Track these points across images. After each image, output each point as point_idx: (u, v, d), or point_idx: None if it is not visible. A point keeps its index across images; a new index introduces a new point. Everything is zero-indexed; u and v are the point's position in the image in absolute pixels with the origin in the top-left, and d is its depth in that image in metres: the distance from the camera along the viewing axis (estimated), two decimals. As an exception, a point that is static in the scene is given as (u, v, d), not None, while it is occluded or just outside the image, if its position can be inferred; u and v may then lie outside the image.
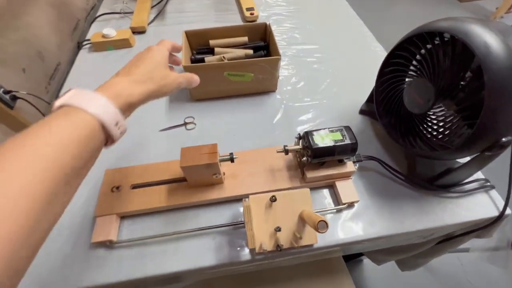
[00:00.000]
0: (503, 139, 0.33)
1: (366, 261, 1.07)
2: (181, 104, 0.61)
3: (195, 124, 0.57)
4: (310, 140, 0.41)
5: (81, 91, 0.26)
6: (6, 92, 1.24)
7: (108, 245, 0.40)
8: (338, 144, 0.41)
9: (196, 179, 0.43)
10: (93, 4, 1.07)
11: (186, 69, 0.53)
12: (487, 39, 0.31)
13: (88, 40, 0.75)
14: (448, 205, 0.45)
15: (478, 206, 0.45)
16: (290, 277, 0.62)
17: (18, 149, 0.20)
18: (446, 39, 0.36)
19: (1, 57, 1.31)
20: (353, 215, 0.44)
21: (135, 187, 0.46)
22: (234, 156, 0.42)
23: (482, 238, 0.49)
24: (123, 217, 0.44)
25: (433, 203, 0.45)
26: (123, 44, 0.74)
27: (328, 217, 0.44)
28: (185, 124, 0.57)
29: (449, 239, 0.51)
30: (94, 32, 0.76)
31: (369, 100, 0.57)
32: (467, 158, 0.43)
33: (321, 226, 0.32)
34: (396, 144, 0.47)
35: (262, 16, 0.85)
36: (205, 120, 0.58)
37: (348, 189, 0.44)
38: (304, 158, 0.42)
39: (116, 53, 0.74)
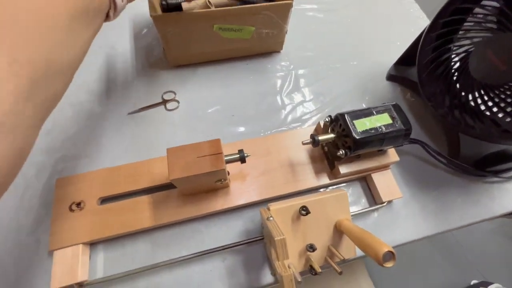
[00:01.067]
0: None
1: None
2: (156, 72, 0.44)
3: (177, 102, 0.42)
4: (350, 127, 0.29)
5: None
6: None
7: (77, 288, 0.29)
8: (388, 130, 0.30)
9: (191, 188, 0.31)
10: None
11: (157, 20, 0.36)
12: None
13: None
14: (495, 192, 0.38)
15: (527, 189, 0.39)
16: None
17: None
18: None
19: None
20: (392, 213, 0.36)
21: (104, 200, 0.33)
22: (245, 154, 0.29)
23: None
24: (93, 243, 0.32)
25: (479, 190, 0.38)
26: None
27: (365, 218, 0.36)
28: (164, 102, 0.42)
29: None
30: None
31: (401, 62, 0.45)
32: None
33: (387, 258, 0.23)
34: (435, 120, 0.37)
35: None
36: (190, 95, 0.43)
37: (387, 183, 0.35)
38: (340, 152, 0.31)
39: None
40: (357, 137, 0.29)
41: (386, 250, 0.23)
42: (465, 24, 0.33)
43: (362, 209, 0.35)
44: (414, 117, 0.44)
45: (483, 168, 0.38)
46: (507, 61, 0.28)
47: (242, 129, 0.40)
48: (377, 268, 0.99)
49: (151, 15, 0.35)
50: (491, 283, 0.94)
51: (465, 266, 1.04)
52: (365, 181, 0.37)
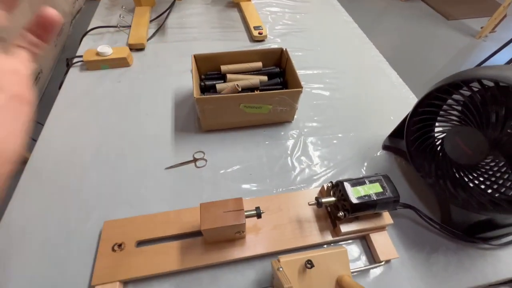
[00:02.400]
0: None
1: None
2: (189, 135, 0.55)
3: (205, 160, 0.51)
4: (348, 193, 0.36)
5: None
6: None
7: (110, 323, 0.33)
8: (379, 198, 0.36)
9: (215, 237, 0.37)
10: (79, 7, 0.98)
11: (199, 101, 0.47)
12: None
13: (80, 57, 0.67)
14: (488, 259, 0.42)
15: (518, 258, 0.42)
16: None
17: None
18: (486, 86, 0.33)
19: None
20: (391, 274, 0.40)
21: (140, 243, 0.39)
22: (261, 211, 0.36)
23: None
24: (126, 282, 0.37)
25: (472, 256, 0.42)
26: (120, 63, 0.67)
27: (365, 277, 0.39)
28: (195, 160, 0.51)
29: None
30: (86, 48, 0.69)
31: (394, 134, 0.54)
32: None
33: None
34: (427, 186, 0.43)
35: (270, 37, 0.81)
36: (216, 155, 0.52)
37: (384, 243, 0.40)
38: (340, 214, 0.37)
39: (112, 72, 0.66)
40: (354, 202, 0.35)
41: (377, 303, 0.27)
42: (434, 115, 0.41)
43: (363, 267, 0.39)
44: (408, 182, 0.50)
45: (473, 234, 0.42)
46: (471, 148, 0.36)
47: (257, 186, 0.48)
48: None
49: (194, 97, 0.47)
50: None
51: None
52: (365, 240, 0.42)
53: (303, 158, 0.53)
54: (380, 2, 2.74)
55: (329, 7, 0.96)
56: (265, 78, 0.58)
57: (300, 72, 0.69)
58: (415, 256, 0.41)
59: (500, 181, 0.34)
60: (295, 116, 0.58)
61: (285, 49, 0.58)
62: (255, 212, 0.36)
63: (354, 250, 0.41)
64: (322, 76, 0.70)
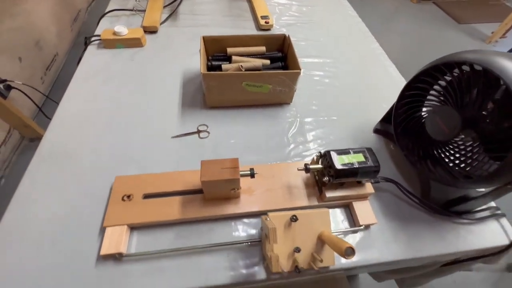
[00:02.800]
0: (528, 174, 0.33)
1: (362, 276, 1.08)
2: (195, 110, 0.59)
3: (208, 132, 0.55)
4: (333, 160, 0.40)
5: None
6: (1, 81, 1.18)
7: (117, 257, 0.38)
8: (361, 166, 0.40)
9: (213, 193, 0.42)
10: None
11: (205, 77, 0.52)
12: (520, 75, 0.32)
13: (98, 36, 0.72)
14: (461, 231, 0.45)
15: (489, 233, 0.46)
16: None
17: None
18: (465, 70, 0.36)
19: (-3, 44, 1.23)
20: (369, 237, 0.44)
21: (147, 196, 0.44)
22: (254, 172, 0.41)
23: (488, 264, 0.49)
24: (133, 228, 0.42)
25: (446, 228, 0.46)
26: (134, 43, 0.72)
27: (344, 238, 0.43)
28: (199, 132, 0.55)
29: (456, 262, 0.52)
30: (103, 28, 0.74)
31: (384, 120, 0.57)
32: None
33: (349, 252, 0.31)
34: (411, 166, 0.47)
35: (276, 26, 0.85)
36: (218, 129, 0.56)
37: (365, 210, 0.44)
38: (325, 178, 0.41)
39: (126, 51, 0.71)
40: (338, 168, 0.40)
41: (348, 246, 0.31)
42: (420, 97, 0.45)
43: (344, 229, 0.43)
44: (394, 163, 0.54)
45: (449, 209, 0.46)
46: (448, 126, 0.39)
47: (254, 157, 0.52)
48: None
49: (201, 72, 0.51)
50: None
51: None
52: (348, 208, 0.46)
53: (298, 136, 0.57)
54: (392, 3, 2.74)
55: (335, 1, 0.99)
56: (267, 61, 0.62)
57: (302, 60, 0.73)
58: (393, 224, 0.45)
59: (469, 155, 0.38)
60: (293, 99, 0.62)
61: (288, 35, 0.62)
62: (249, 172, 0.41)
63: (337, 215, 0.46)
64: (322, 64, 0.74)
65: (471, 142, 0.38)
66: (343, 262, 0.41)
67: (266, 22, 0.81)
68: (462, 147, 0.39)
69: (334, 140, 0.57)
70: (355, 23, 0.90)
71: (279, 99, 0.61)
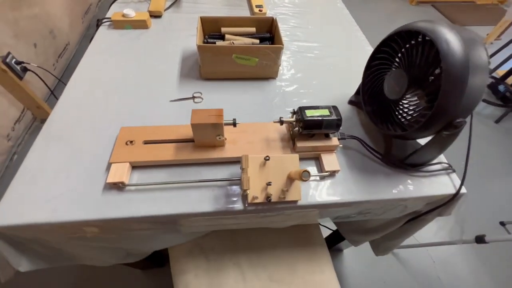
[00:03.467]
0: (456, 120, 0.41)
1: (346, 252, 1.14)
2: (191, 81, 0.68)
3: (202, 98, 0.64)
4: (302, 113, 0.48)
5: None
6: (18, 63, 1.29)
7: (121, 186, 0.47)
8: (325, 118, 0.48)
9: (201, 139, 0.50)
10: None
11: (200, 48, 0.60)
12: (449, 37, 0.39)
13: (109, 18, 0.81)
14: (415, 182, 0.53)
15: (440, 185, 0.53)
16: (274, 244, 0.68)
17: None
18: (419, 39, 0.44)
19: (15, 30, 1.38)
20: (334, 183, 0.51)
21: (147, 142, 0.52)
22: (236, 122, 0.49)
23: (443, 216, 0.56)
24: (135, 167, 0.50)
25: (402, 179, 0.53)
26: (140, 24, 0.81)
27: (312, 184, 0.51)
28: (193, 97, 0.63)
29: (415, 218, 0.59)
30: (113, 12, 0.83)
31: (357, 92, 0.65)
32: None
33: (305, 175, 0.39)
34: (377, 129, 0.55)
35: (269, 14, 0.93)
36: (211, 96, 0.64)
37: (331, 160, 0.52)
38: (296, 129, 0.49)
39: (133, 32, 0.80)
40: (305, 118, 0.47)
41: (304, 170, 0.39)
42: (382, 66, 0.53)
43: (312, 175, 0.51)
44: (363, 128, 0.61)
45: (405, 163, 0.53)
46: (399, 85, 0.47)
47: (242, 120, 0.60)
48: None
49: (197, 45, 0.59)
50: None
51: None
52: (318, 160, 0.54)
53: (281, 104, 0.65)
54: (391, 4, 2.81)
55: (327, -5, 1.07)
56: (257, 41, 0.70)
57: (291, 43, 0.81)
58: (355, 174, 0.53)
59: (414, 108, 0.45)
60: (279, 75, 0.70)
61: (275, 18, 0.70)
62: (232, 121, 0.48)
63: (308, 165, 0.53)
64: (309, 47, 0.82)
65: (416, 98, 0.45)
66: (309, 200, 0.48)
67: (260, 11, 0.89)
68: (409, 103, 0.46)
69: (312, 109, 0.64)
70: (343, 15, 0.98)
71: (265, 73, 0.69)
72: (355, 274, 1.10)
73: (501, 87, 1.94)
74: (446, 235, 1.20)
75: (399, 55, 0.47)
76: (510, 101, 1.85)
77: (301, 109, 0.49)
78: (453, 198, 0.51)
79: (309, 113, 0.48)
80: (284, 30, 0.87)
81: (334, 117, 0.48)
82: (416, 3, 2.79)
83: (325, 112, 0.49)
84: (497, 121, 1.76)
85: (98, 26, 0.83)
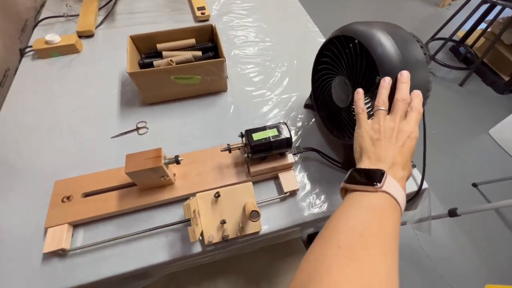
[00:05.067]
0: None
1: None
2: (133, 108, 0.62)
3: (147, 128, 0.58)
4: (249, 137, 0.44)
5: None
6: None
7: (61, 253, 0.42)
8: (274, 139, 0.45)
9: (145, 183, 0.45)
10: (41, 1, 1.01)
11: (132, 75, 0.54)
12: (383, 42, 0.36)
13: (31, 46, 0.72)
14: (377, 185, 0.51)
15: (402, 183, 0.52)
16: (252, 263, 0.66)
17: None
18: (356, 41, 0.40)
19: None
20: (296, 201, 0.49)
21: (86, 195, 0.47)
22: (179, 158, 0.44)
23: (409, 211, 0.56)
24: (77, 225, 0.45)
25: (364, 184, 0.51)
26: (69, 49, 0.72)
27: (274, 206, 0.48)
28: (137, 129, 0.58)
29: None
30: (36, 38, 0.73)
31: (311, 95, 0.62)
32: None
33: (254, 215, 0.36)
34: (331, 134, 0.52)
35: (216, 15, 0.86)
36: (157, 123, 0.59)
37: (289, 179, 0.49)
38: (245, 155, 0.45)
39: (63, 59, 0.72)
40: (252, 144, 0.44)
41: (253, 210, 0.36)
42: (328, 71, 0.49)
43: (271, 198, 0.48)
44: (321, 133, 0.59)
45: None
46: (344, 93, 0.44)
47: (192, 147, 0.55)
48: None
49: (127, 72, 0.53)
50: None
51: (436, 279, 1.09)
52: (277, 179, 0.51)
53: (234, 120, 0.61)
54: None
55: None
56: (199, 53, 0.65)
57: (241, 46, 0.76)
58: (317, 188, 0.50)
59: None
60: (229, 85, 0.65)
61: (214, 24, 0.64)
62: (174, 159, 0.44)
63: (268, 187, 0.50)
64: (261, 49, 0.76)
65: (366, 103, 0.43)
66: (272, 226, 0.46)
67: (202, 13, 0.82)
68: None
69: (270, 119, 0.61)
70: (293, 6, 0.93)
71: (213, 88, 0.64)
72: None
73: (461, 49, 1.98)
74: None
75: (340, 61, 0.44)
76: (471, 62, 1.90)
77: (248, 133, 0.45)
78: (416, 195, 0.51)
79: (256, 136, 0.45)
80: (234, 31, 0.81)
81: (283, 136, 0.45)
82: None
83: (273, 132, 0.45)
84: (460, 84, 1.81)
85: (21, 56, 0.74)
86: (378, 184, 0.28)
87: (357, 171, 0.32)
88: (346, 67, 0.42)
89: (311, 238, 1.03)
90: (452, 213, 0.87)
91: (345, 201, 0.30)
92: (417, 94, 0.34)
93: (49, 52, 0.71)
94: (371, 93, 0.41)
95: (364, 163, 0.33)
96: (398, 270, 0.25)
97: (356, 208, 0.28)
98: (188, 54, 0.63)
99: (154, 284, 0.64)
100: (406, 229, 1.19)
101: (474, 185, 1.34)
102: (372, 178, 0.29)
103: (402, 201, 0.29)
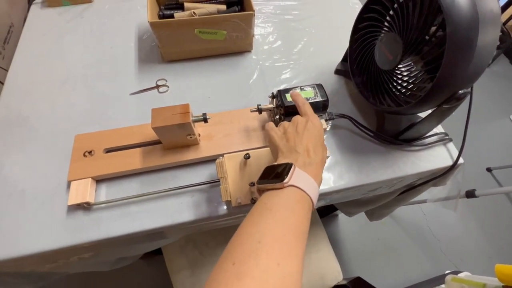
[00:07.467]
0: (460, 91, 0.35)
1: (341, 215, 1.17)
2: (152, 65, 0.58)
3: (167, 86, 0.55)
4: (283, 98, 0.41)
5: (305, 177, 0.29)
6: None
7: (86, 207, 0.41)
8: (310, 101, 0.41)
9: (170, 141, 0.43)
10: None
11: (153, 25, 0.49)
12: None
13: (40, -7, 0.66)
14: (410, 158, 0.49)
15: (436, 157, 0.49)
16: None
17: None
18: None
19: None
20: (326, 168, 0.47)
21: (108, 151, 0.45)
22: (207, 117, 0.42)
23: (438, 186, 0.54)
24: (100, 180, 0.44)
25: (396, 156, 0.49)
26: (81, -2, 0.66)
27: (301, 173, 0.46)
28: (157, 87, 0.55)
29: (410, 189, 0.57)
30: (46, -15, 0.67)
31: (344, 59, 0.57)
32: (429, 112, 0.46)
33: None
34: (367, 103, 0.48)
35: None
36: (178, 82, 0.55)
37: (319, 146, 0.46)
38: (277, 117, 0.42)
39: (74, 8, 0.66)
40: (286, 105, 0.41)
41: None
42: (372, 29, 0.44)
43: (300, 165, 0.46)
44: (353, 101, 0.55)
45: (399, 138, 0.48)
46: (392, 53, 0.40)
47: (216, 108, 0.52)
48: (348, 255, 1.08)
49: (148, 21, 0.49)
50: (461, 272, 1.00)
51: (440, 258, 1.11)
52: (305, 146, 0.48)
53: (259, 83, 0.57)
54: None
55: None
56: (223, 7, 0.59)
57: (269, 4, 0.70)
58: (347, 157, 0.48)
59: (410, 80, 0.39)
60: (254, 46, 0.60)
61: (242, -26, 0.57)
62: (202, 117, 0.41)
63: (295, 154, 0.48)
64: (286, 7, 0.70)
65: (411, 67, 0.39)
66: (299, 193, 0.44)
67: (224, -36, 0.74)
68: (404, 74, 0.40)
69: (296, 84, 0.57)
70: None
71: (238, 47, 0.59)
72: (350, 236, 1.14)
73: (492, 26, 1.84)
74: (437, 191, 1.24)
75: (392, 15, 0.39)
76: (501, 42, 1.77)
77: (281, 93, 0.42)
78: (450, 169, 0.48)
79: (289, 97, 0.41)
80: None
81: (319, 98, 0.42)
82: None
83: (309, 93, 0.42)
84: (488, 65, 1.70)
85: (29, 3, 0.68)
86: (285, 177, 0.27)
87: (268, 168, 0.32)
88: (398, 20, 0.38)
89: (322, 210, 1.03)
90: (471, 194, 0.86)
91: (254, 206, 0.29)
92: (296, 94, 0.38)
93: (59, 0, 0.65)
94: (421, 52, 0.37)
95: (279, 159, 0.32)
96: (303, 268, 0.24)
97: (259, 213, 0.27)
98: (212, 7, 0.57)
99: (171, 245, 0.65)
100: (414, 209, 1.20)
101: (489, 169, 1.32)
102: (280, 174, 0.28)
103: (313, 191, 0.28)
